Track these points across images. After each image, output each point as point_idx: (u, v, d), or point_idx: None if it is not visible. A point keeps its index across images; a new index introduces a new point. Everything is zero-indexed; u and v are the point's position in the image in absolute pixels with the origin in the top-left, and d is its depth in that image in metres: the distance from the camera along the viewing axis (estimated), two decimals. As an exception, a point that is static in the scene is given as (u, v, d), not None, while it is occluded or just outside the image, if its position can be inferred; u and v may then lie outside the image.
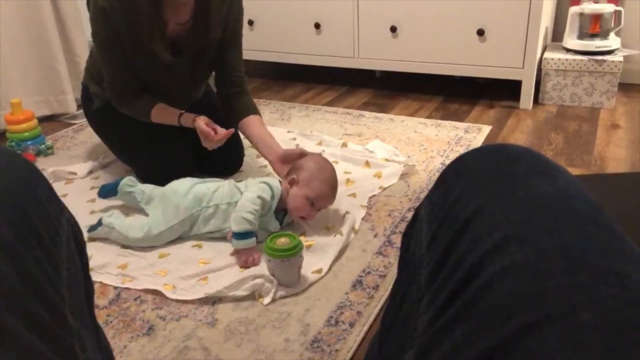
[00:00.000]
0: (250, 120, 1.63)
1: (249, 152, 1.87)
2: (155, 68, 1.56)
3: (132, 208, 1.55)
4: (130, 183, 1.51)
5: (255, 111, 1.66)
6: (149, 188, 1.50)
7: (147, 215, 1.45)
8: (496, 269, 0.41)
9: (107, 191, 1.54)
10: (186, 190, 1.41)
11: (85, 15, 2.46)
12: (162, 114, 1.59)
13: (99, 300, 1.20)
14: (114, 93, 1.61)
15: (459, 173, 0.54)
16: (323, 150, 1.92)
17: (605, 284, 0.37)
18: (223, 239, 1.38)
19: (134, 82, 1.58)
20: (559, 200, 0.45)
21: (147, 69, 1.57)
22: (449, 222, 0.50)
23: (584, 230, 0.42)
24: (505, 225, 0.44)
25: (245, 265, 1.28)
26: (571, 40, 2.34)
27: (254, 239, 1.30)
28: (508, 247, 0.42)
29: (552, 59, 2.30)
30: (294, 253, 1.17)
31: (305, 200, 1.36)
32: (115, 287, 1.24)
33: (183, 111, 1.57)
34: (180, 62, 1.59)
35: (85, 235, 1.34)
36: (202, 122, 1.50)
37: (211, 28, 1.53)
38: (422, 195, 1.61)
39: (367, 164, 1.80)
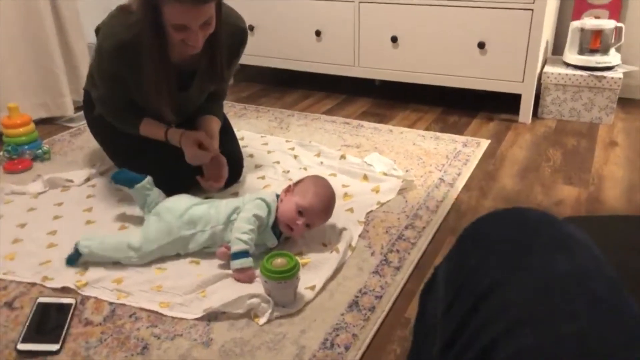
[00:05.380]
0: (210, 117, 1.73)
1: (246, 162, 1.86)
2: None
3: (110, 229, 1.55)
4: (149, 186, 1.48)
5: (218, 116, 1.76)
6: (159, 198, 1.48)
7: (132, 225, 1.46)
8: (508, 354, 0.40)
9: (123, 179, 1.49)
10: (182, 211, 1.39)
11: (84, 18, 2.45)
12: (150, 128, 1.66)
13: (93, 317, 1.19)
14: (103, 107, 1.68)
15: (476, 241, 0.54)
16: (321, 162, 1.91)
17: None
18: (220, 254, 1.38)
19: (126, 102, 1.65)
20: (576, 280, 0.44)
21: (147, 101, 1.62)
22: (465, 294, 0.49)
23: (601, 316, 0.41)
24: (520, 306, 0.43)
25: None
26: (571, 55, 2.34)
27: (250, 258, 1.29)
28: (522, 329, 0.41)
29: (552, 74, 2.30)
30: (290, 275, 1.17)
31: (295, 207, 1.36)
32: (110, 303, 1.24)
33: (169, 127, 1.65)
34: (183, 95, 1.65)
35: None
36: (191, 140, 1.60)
37: (217, 76, 1.64)
38: (420, 212, 1.60)
39: (365, 177, 1.79)
